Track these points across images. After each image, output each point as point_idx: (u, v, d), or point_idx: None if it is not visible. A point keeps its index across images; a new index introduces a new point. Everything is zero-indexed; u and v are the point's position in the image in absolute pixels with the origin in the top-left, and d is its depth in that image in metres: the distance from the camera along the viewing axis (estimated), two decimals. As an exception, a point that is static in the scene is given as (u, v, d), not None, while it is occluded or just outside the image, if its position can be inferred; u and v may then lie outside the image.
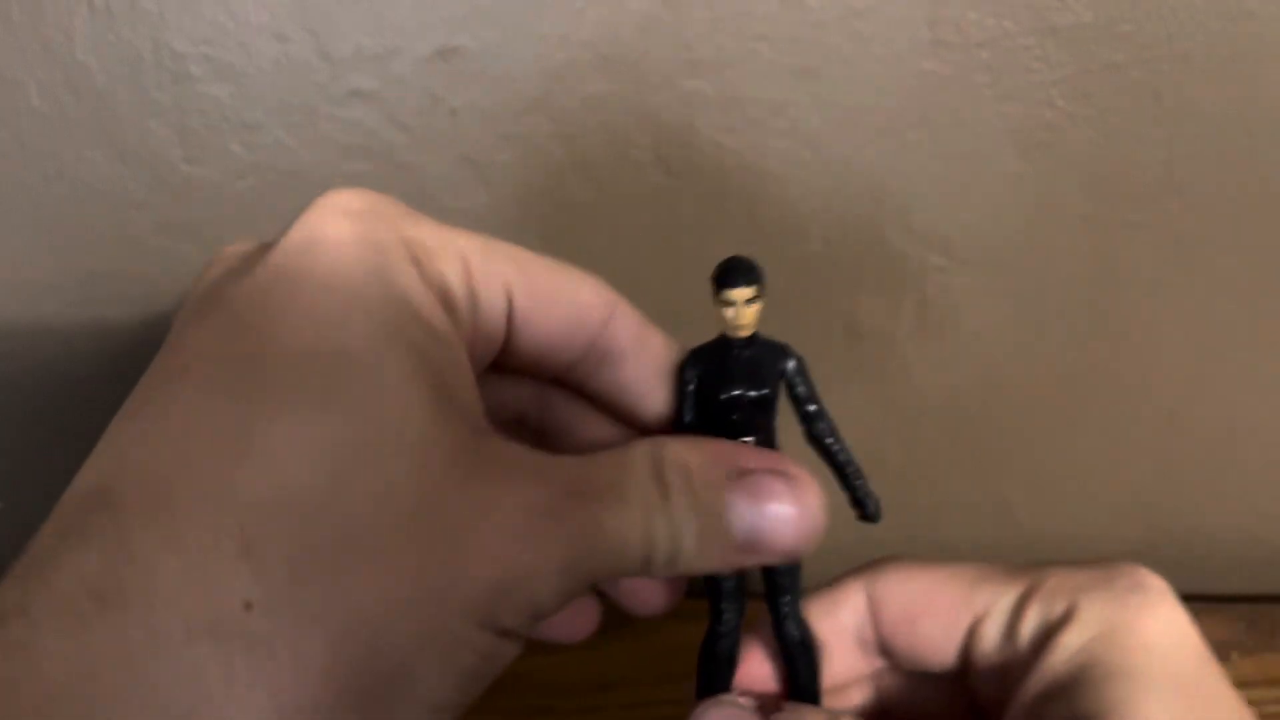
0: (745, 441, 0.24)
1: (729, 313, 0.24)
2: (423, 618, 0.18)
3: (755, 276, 0.24)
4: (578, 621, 0.27)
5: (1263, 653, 0.45)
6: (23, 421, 0.46)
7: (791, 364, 0.25)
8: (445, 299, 0.22)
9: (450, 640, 0.19)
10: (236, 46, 0.40)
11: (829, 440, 0.26)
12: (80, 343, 0.44)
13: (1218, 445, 0.48)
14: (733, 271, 0.24)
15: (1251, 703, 0.42)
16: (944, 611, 0.26)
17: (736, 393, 0.24)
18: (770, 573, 0.26)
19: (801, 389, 0.25)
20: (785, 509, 0.23)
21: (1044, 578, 0.26)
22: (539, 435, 0.27)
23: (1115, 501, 0.49)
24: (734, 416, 0.24)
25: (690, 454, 0.23)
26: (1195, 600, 0.47)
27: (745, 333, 0.24)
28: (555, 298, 0.24)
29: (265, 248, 0.22)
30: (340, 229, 0.21)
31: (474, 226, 0.42)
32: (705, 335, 0.46)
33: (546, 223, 0.43)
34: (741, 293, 0.24)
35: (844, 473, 0.26)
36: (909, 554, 0.28)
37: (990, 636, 0.26)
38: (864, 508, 0.26)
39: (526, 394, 0.26)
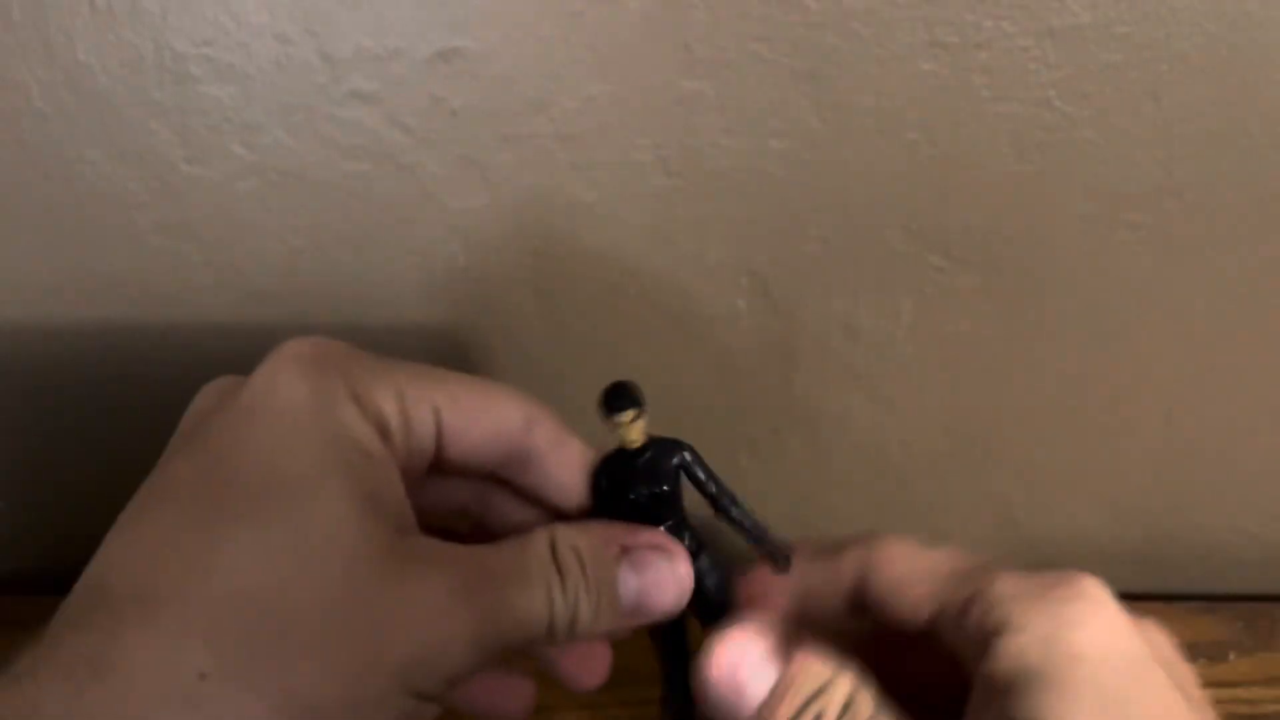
0: (658, 529, 0.29)
1: (619, 432, 0.28)
2: (351, 688, 0.24)
3: (633, 400, 0.28)
4: (511, 704, 0.32)
5: (1260, 652, 0.45)
6: (23, 421, 0.46)
7: (684, 457, 0.29)
8: (380, 427, 0.27)
9: (375, 705, 0.24)
10: (237, 47, 0.40)
11: (732, 511, 0.30)
12: (81, 343, 0.44)
13: (1215, 445, 0.48)
14: (614, 399, 0.28)
15: (1249, 702, 0.42)
16: (914, 597, 0.28)
17: (641, 493, 0.29)
18: (705, 622, 0.30)
19: (697, 474, 0.29)
20: (662, 577, 0.28)
21: (992, 582, 0.27)
22: (480, 523, 0.32)
23: (1113, 501, 0.49)
24: (643, 512, 0.29)
25: (580, 537, 0.27)
26: (1193, 600, 0.47)
27: (636, 444, 0.29)
28: (478, 415, 0.29)
29: (237, 386, 0.27)
30: (292, 376, 0.26)
31: (475, 227, 0.43)
32: (705, 333, 0.46)
33: (547, 223, 0.43)
34: (625, 416, 0.28)
35: (751, 535, 0.30)
36: (889, 538, 0.30)
37: (945, 626, 0.28)
38: (774, 560, 0.30)
39: (466, 490, 0.31)
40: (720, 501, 0.30)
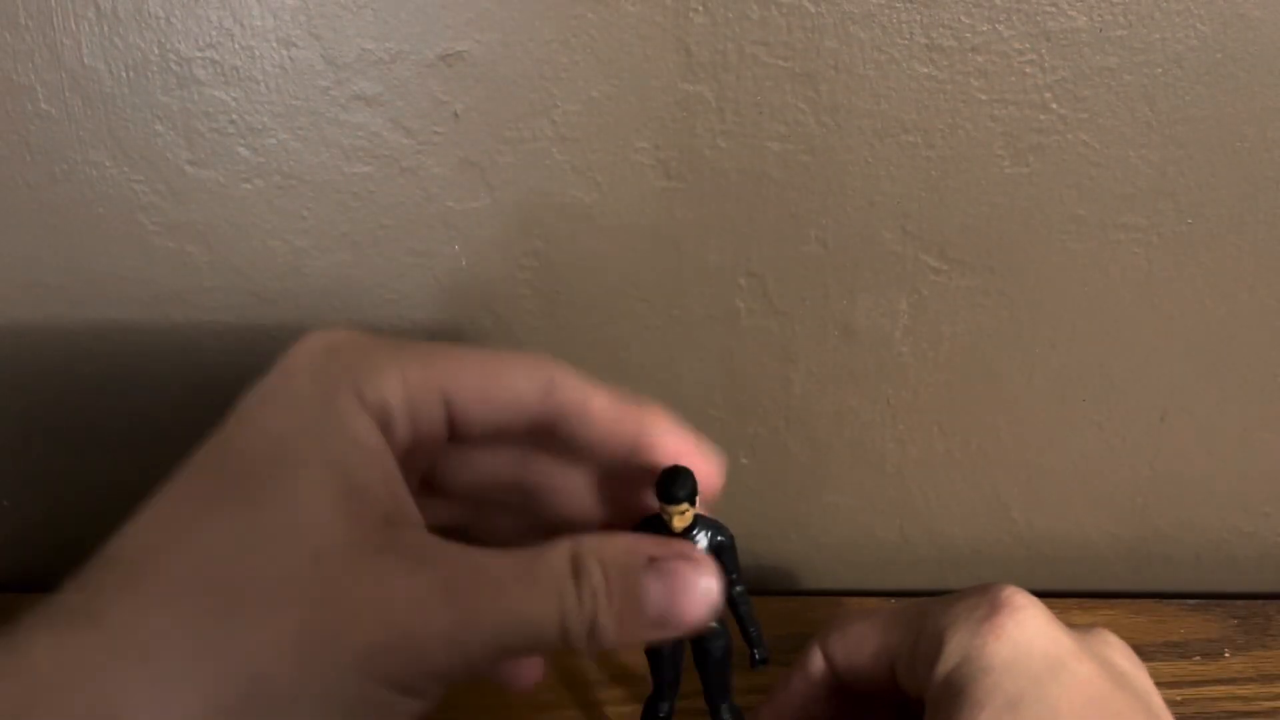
0: (689, 542, 0.30)
1: (667, 518, 0.29)
2: (303, 664, 0.24)
3: (689, 494, 0.29)
4: (519, 674, 0.33)
5: (1255, 650, 0.45)
6: (27, 421, 0.46)
7: (723, 542, 0.30)
8: (382, 416, 0.28)
9: (327, 685, 0.25)
10: (242, 51, 0.40)
11: (740, 606, 0.31)
12: (86, 343, 0.45)
13: (1210, 445, 0.48)
14: (673, 489, 0.29)
15: (1244, 699, 0.42)
16: (871, 655, 0.31)
17: None
18: (705, 681, 0.33)
19: (729, 562, 0.30)
20: (691, 587, 0.27)
21: (928, 617, 0.29)
22: (525, 498, 0.32)
23: (1109, 500, 0.49)
24: None
25: (606, 547, 0.27)
26: (1188, 598, 0.47)
27: (679, 531, 0.30)
28: (488, 389, 0.29)
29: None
30: (303, 368, 0.28)
31: (476, 228, 0.43)
32: (705, 333, 0.47)
33: (548, 225, 0.43)
34: (678, 508, 0.29)
35: (745, 627, 0.32)
36: (851, 612, 0.34)
37: (902, 674, 0.30)
38: (754, 658, 0.32)
39: (503, 460, 0.31)
40: (734, 591, 0.31)
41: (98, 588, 0.25)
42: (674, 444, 0.30)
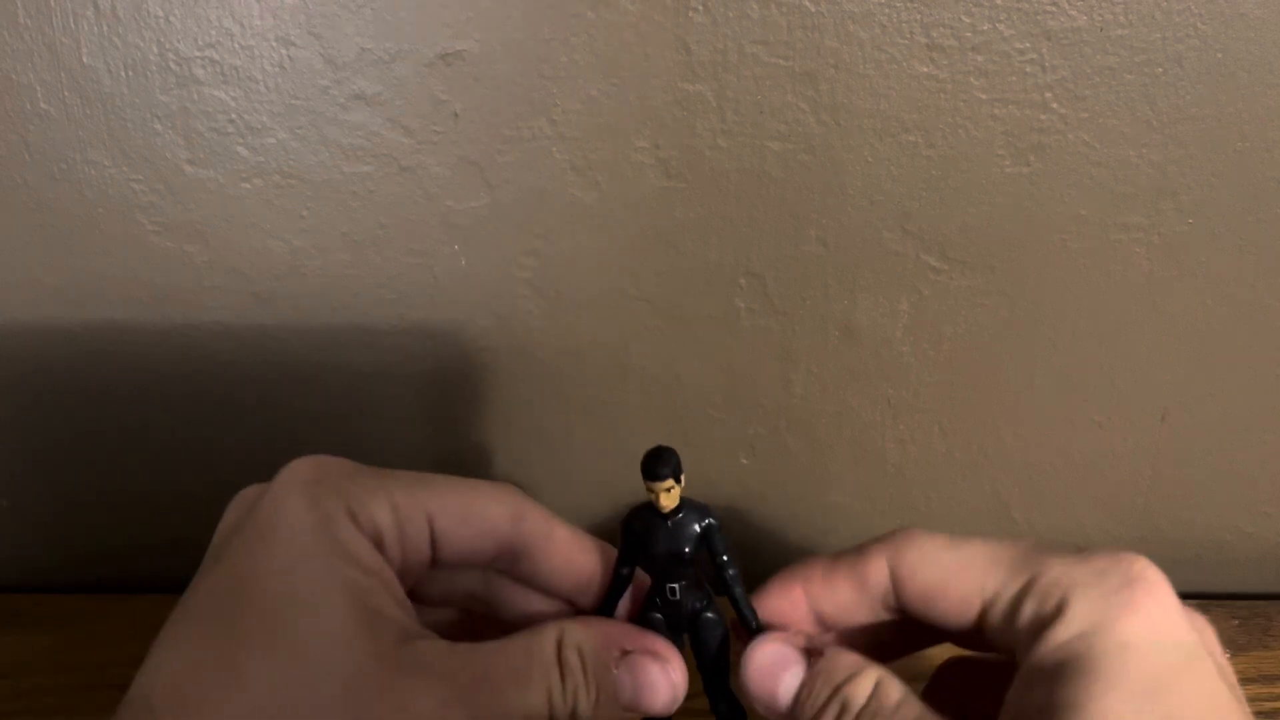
0: (670, 586, 0.32)
1: (653, 496, 0.30)
2: None
3: (671, 470, 0.30)
4: None
5: (1256, 650, 0.45)
6: (26, 421, 0.46)
7: (709, 525, 0.31)
8: (376, 539, 0.29)
9: None
10: (241, 50, 0.40)
11: (734, 588, 0.32)
12: (85, 343, 0.45)
13: (1211, 445, 0.48)
14: (655, 467, 0.30)
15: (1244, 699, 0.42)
16: (957, 597, 0.29)
17: (662, 551, 0.31)
18: (703, 670, 0.33)
19: (715, 545, 0.31)
20: (656, 682, 0.30)
21: (1044, 569, 0.27)
22: (491, 606, 0.34)
23: (1109, 500, 0.49)
24: (661, 567, 0.32)
25: (585, 639, 0.30)
26: (1188, 598, 0.47)
27: (667, 510, 0.31)
28: (467, 516, 0.31)
29: (258, 499, 0.30)
30: (296, 500, 0.29)
31: (476, 228, 0.43)
32: (705, 333, 0.47)
33: (547, 224, 0.43)
34: (661, 485, 0.30)
35: (739, 607, 0.32)
36: (923, 532, 0.30)
37: (995, 622, 0.28)
38: (749, 628, 0.32)
39: (473, 578, 0.34)
40: (725, 573, 0.32)
41: None
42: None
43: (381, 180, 0.42)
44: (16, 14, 0.40)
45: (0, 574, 0.49)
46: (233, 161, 0.42)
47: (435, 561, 0.31)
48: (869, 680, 0.28)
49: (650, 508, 0.31)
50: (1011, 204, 0.43)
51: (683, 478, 0.30)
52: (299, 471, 0.30)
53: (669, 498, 0.30)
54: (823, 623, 0.32)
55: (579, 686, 0.29)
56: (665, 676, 0.30)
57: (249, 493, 0.32)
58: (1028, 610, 0.27)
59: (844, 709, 0.28)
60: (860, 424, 0.47)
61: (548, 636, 0.29)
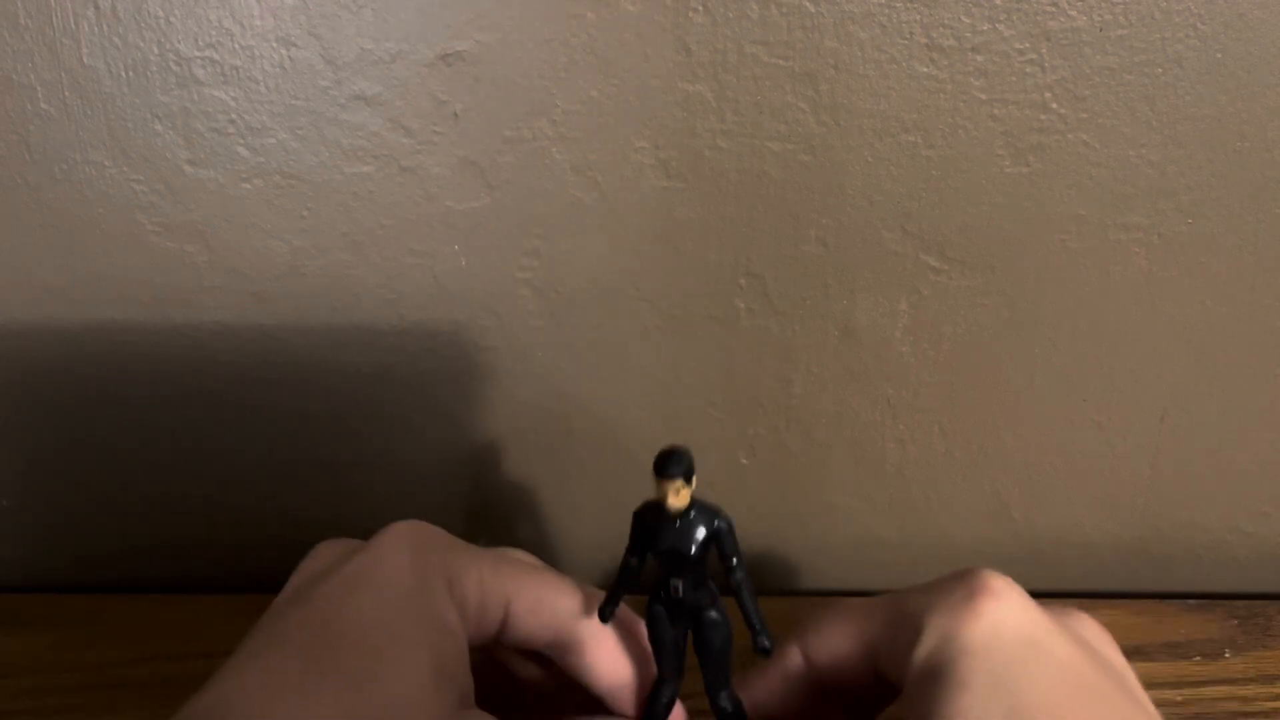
0: (673, 583, 0.32)
1: (661, 495, 0.31)
2: None
3: (682, 471, 0.31)
4: None
5: (1255, 650, 0.45)
6: (26, 421, 0.46)
7: (719, 527, 0.32)
8: (462, 608, 0.31)
9: None
10: (241, 50, 0.40)
11: (742, 592, 0.32)
12: (85, 343, 0.45)
13: (1210, 444, 0.48)
14: (667, 466, 0.31)
15: (1244, 699, 0.42)
16: (855, 659, 0.32)
17: (667, 550, 0.32)
18: (704, 668, 0.34)
19: (725, 547, 0.32)
20: None
21: (905, 603, 0.30)
22: (526, 690, 0.37)
23: (1109, 500, 0.49)
24: (666, 565, 0.32)
25: None
26: (1188, 598, 0.47)
27: (675, 510, 0.31)
28: (540, 604, 0.33)
29: (349, 552, 0.31)
30: (399, 555, 0.31)
31: (476, 228, 0.43)
32: (705, 333, 0.47)
33: (547, 224, 0.43)
34: (671, 484, 0.31)
35: (747, 615, 0.32)
36: (832, 603, 0.34)
37: (883, 665, 0.31)
38: (757, 641, 0.32)
39: (519, 662, 0.36)
40: (734, 576, 0.32)
41: None
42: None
43: (382, 180, 0.42)
44: (17, 14, 0.40)
45: (0, 574, 0.49)
46: (233, 162, 0.42)
47: (499, 639, 0.33)
48: None
49: (661, 506, 0.31)
50: (1011, 204, 0.43)
51: (694, 479, 0.31)
52: (402, 533, 0.32)
53: (677, 498, 0.31)
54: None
55: None
56: None
57: (335, 544, 0.33)
58: (899, 642, 0.29)
59: None
60: (860, 424, 0.48)
61: None
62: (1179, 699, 0.42)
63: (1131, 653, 0.44)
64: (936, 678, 0.27)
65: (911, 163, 0.42)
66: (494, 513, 0.49)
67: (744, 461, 0.48)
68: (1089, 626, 0.31)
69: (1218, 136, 0.42)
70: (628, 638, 0.35)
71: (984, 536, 0.50)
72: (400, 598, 0.30)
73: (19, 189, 0.42)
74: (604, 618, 0.33)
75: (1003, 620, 0.28)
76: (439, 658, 0.30)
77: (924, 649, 0.28)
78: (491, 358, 0.46)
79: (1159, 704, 0.41)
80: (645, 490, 0.33)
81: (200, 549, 0.49)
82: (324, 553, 0.33)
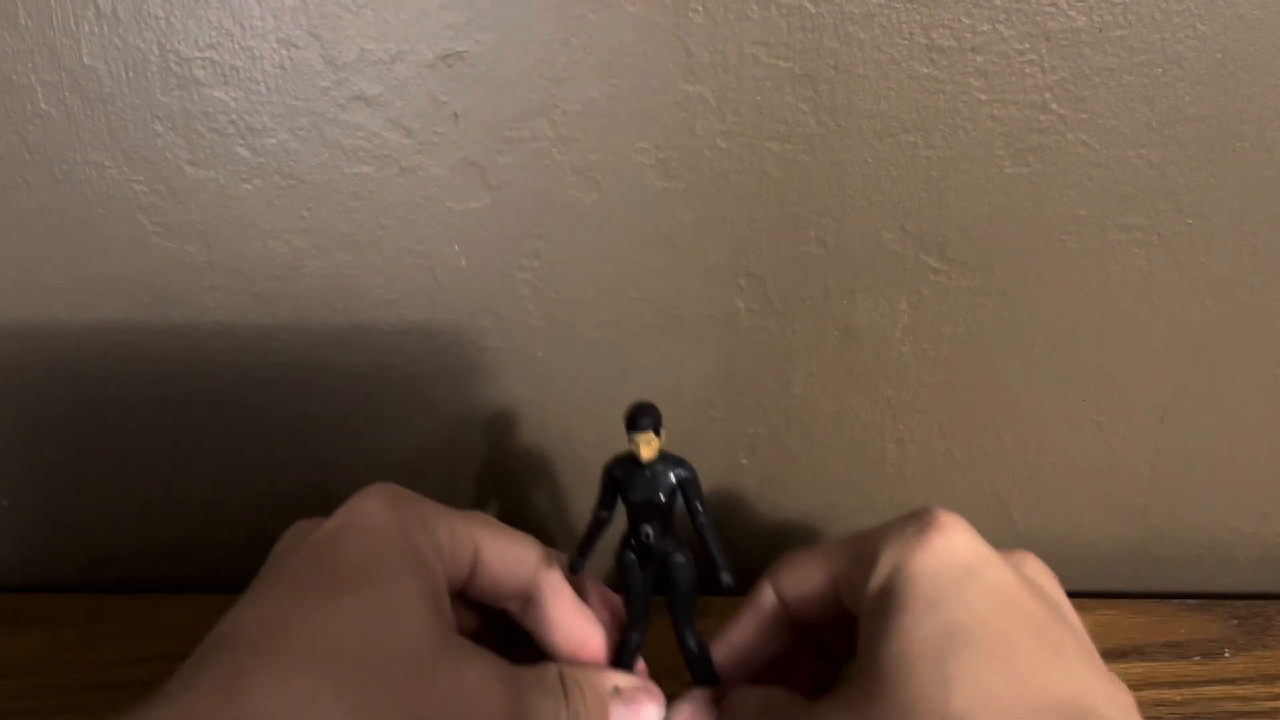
0: (645, 529, 0.35)
1: (635, 447, 0.34)
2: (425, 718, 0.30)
3: (652, 422, 0.34)
4: None
5: (1255, 650, 0.45)
6: (27, 421, 0.46)
7: (684, 475, 0.35)
8: (437, 553, 0.34)
9: None
10: (241, 51, 0.40)
11: (705, 534, 0.35)
12: (86, 344, 0.45)
13: (1210, 444, 0.48)
14: (637, 419, 0.34)
15: (1244, 699, 0.42)
16: (819, 594, 0.34)
17: (639, 500, 0.35)
18: (673, 609, 0.36)
19: (690, 492, 0.35)
20: (647, 713, 0.35)
21: (866, 540, 0.33)
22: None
23: (1109, 500, 0.49)
24: (638, 514, 0.35)
25: (582, 677, 0.35)
26: (1188, 598, 0.47)
27: (647, 460, 0.34)
28: (505, 554, 0.35)
29: (320, 521, 0.34)
30: (376, 505, 0.33)
31: (477, 228, 0.43)
32: (705, 333, 0.47)
33: (547, 224, 0.43)
34: (643, 436, 0.34)
35: (712, 556, 0.35)
36: (798, 549, 0.36)
37: (846, 597, 0.33)
38: (721, 578, 0.34)
39: (478, 618, 0.38)
40: (698, 520, 0.35)
41: (232, 664, 0.29)
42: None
43: (382, 181, 0.42)
44: (17, 15, 0.40)
45: (0, 574, 0.49)
46: (233, 162, 0.42)
47: (467, 588, 0.36)
48: (755, 695, 0.34)
49: (631, 458, 0.34)
50: (1011, 204, 0.43)
51: (663, 432, 0.34)
52: (376, 490, 0.34)
53: (648, 449, 0.34)
54: (749, 663, 0.37)
55: (581, 713, 0.34)
56: (656, 707, 0.36)
57: (308, 522, 0.35)
58: (857, 575, 0.32)
59: None
60: (860, 424, 0.48)
61: (552, 669, 0.35)
62: (1179, 699, 0.42)
63: (1131, 652, 0.44)
64: (884, 602, 0.30)
65: (911, 163, 0.42)
66: (494, 512, 0.49)
67: (744, 461, 0.48)
68: (1031, 563, 0.34)
69: (1218, 136, 0.42)
70: (582, 602, 0.37)
71: (984, 536, 0.50)
72: (383, 538, 0.33)
73: (19, 189, 0.42)
74: (575, 569, 0.36)
75: (947, 551, 0.31)
76: (427, 585, 0.32)
77: (877, 579, 0.31)
78: (491, 358, 0.46)
79: (1158, 704, 0.41)
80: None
81: (200, 549, 0.49)
82: (294, 530, 0.36)
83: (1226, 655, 0.45)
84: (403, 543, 0.33)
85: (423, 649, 0.31)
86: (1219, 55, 0.41)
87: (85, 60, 0.40)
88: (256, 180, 0.42)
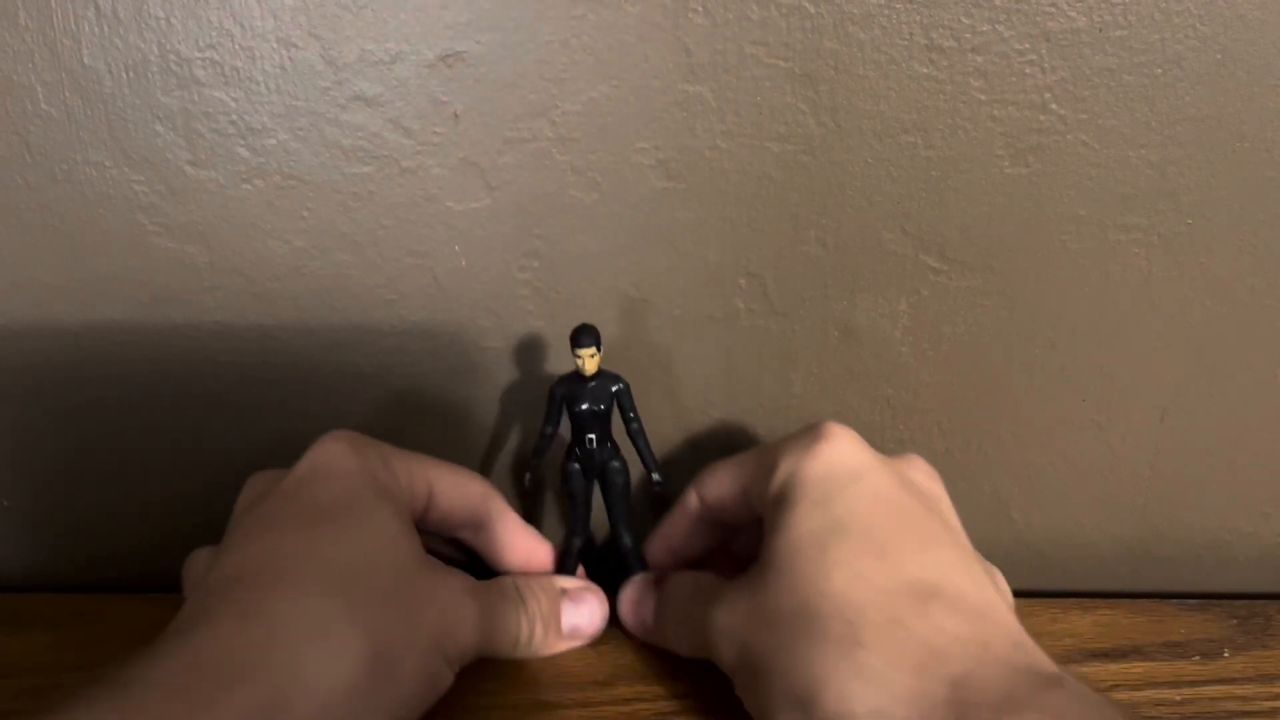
0: (589, 436, 0.41)
1: (579, 362, 0.39)
2: (410, 638, 0.34)
3: (594, 340, 0.39)
4: None
5: (1255, 650, 0.45)
6: (27, 421, 0.46)
7: (621, 387, 0.41)
8: (399, 487, 0.38)
9: (420, 656, 0.34)
10: (242, 51, 0.40)
11: (638, 440, 0.42)
12: (86, 344, 0.45)
13: (1210, 444, 0.48)
14: (580, 337, 0.39)
15: (1243, 699, 0.42)
16: (731, 497, 0.39)
17: (584, 408, 0.41)
18: (610, 509, 0.43)
19: (625, 402, 0.41)
20: (594, 610, 0.42)
21: (769, 451, 0.37)
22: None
23: (1109, 500, 0.49)
24: (582, 423, 0.41)
25: (534, 584, 0.41)
26: (1187, 598, 0.47)
27: (589, 373, 0.40)
28: (456, 486, 0.41)
29: (284, 472, 0.38)
30: (338, 447, 0.38)
31: (476, 228, 0.43)
32: (705, 333, 0.47)
33: (547, 225, 0.43)
34: (585, 351, 0.39)
35: (643, 458, 0.42)
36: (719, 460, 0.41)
37: (754, 501, 0.38)
38: (652, 478, 0.42)
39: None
40: (632, 426, 0.41)
41: (239, 596, 0.32)
42: (564, 582, 0.42)
43: (382, 181, 0.42)
44: (17, 15, 0.40)
45: (0, 574, 0.49)
46: (234, 162, 0.42)
47: (424, 519, 0.40)
48: (686, 577, 0.41)
49: (575, 375, 0.40)
50: (1011, 204, 0.43)
51: (601, 348, 0.39)
52: (337, 434, 0.38)
53: (591, 364, 0.39)
54: (681, 556, 0.43)
55: (537, 614, 0.40)
56: (600, 606, 0.42)
57: (266, 473, 0.39)
58: (760, 480, 0.37)
59: (668, 601, 0.40)
60: (860, 424, 0.47)
61: (508, 579, 0.41)
62: (1178, 699, 0.42)
63: (1131, 652, 0.44)
64: (780, 503, 0.35)
65: (911, 163, 0.42)
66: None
67: (744, 461, 0.48)
68: (916, 465, 0.39)
69: (1218, 136, 0.42)
70: (527, 524, 0.43)
71: (984, 536, 0.50)
72: (353, 477, 0.37)
73: (19, 189, 0.42)
74: (527, 484, 0.42)
75: (835, 458, 0.35)
76: (400, 516, 0.37)
77: (775, 484, 0.36)
78: (491, 358, 0.46)
79: (1158, 703, 0.41)
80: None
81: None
82: (256, 480, 0.39)
83: (1226, 655, 0.45)
84: (370, 480, 0.37)
85: (408, 567, 0.35)
86: (1219, 55, 0.41)
87: (85, 60, 0.40)
88: (257, 180, 0.42)
